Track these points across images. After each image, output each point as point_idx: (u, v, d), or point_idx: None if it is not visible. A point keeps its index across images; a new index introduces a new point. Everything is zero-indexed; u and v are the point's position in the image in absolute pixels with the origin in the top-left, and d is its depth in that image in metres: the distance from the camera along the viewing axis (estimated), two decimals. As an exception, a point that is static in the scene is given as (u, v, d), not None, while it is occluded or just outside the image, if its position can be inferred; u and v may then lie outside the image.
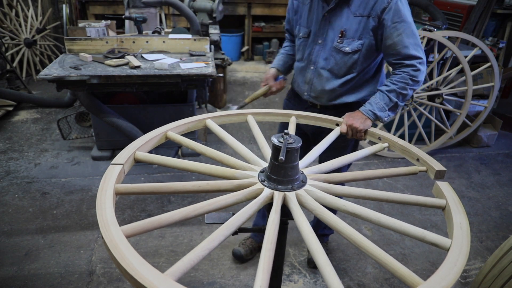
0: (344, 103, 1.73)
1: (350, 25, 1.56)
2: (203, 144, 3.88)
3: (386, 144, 1.40)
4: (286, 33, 1.98)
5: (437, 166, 1.21)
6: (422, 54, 1.54)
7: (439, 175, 1.20)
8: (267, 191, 1.07)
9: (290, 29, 1.89)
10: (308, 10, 1.68)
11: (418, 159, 1.28)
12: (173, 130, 1.37)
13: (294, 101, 1.91)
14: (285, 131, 1.09)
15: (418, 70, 1.53)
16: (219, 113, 1.52)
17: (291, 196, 1.06)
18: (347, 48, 1.59)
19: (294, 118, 1.54)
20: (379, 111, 1.54)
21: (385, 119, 1.57)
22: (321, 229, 2.24)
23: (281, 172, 1.08)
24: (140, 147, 1.22)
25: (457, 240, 0.91)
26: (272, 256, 0.86)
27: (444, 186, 1.14)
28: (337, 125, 1.54)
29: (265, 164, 1.22)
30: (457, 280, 0.80)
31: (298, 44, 1.77)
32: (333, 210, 1.94)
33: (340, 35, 1.59)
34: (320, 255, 0.85)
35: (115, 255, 0.77)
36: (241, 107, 1.88)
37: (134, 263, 0.76)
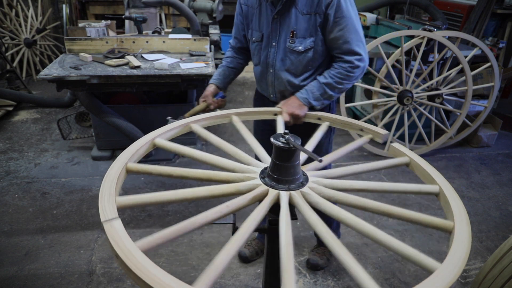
0: None
1: (299, 25, 1.58)
2: (203, 143, 3.86)
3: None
4: (232, 41, 1.95)
5: (381, 131, 1.40)
6: (363, 51, 1.58)
7: (385, 139, 1.41)
8: (272, 192, 1.07)
9: (238, 35, 1.88)
10: (258, 14, 1.69)
11: (362, 129, 1.43)
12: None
13: (262, 101, 1.92)
14: (285, 131, 1.10)
15: (357, 67, 1.58)
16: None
17: (296, 194, 1.07)
18: (299, 47, 1.61)
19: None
20: (313, 100, 1.61)
21: (319, 107, 1.64)
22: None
23: (285, 171, 1.08)
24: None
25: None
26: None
27: (398, 146, 1.33)
28: (276, 114, 1.60)
29: (260, 164, 1.23)
30: (457, 279, 0.80)
31: (253, 48, 1.78)
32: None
33: (291, 35, 1.61)
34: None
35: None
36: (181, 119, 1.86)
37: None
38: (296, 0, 1.56)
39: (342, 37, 1.55)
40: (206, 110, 1.85)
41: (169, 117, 1.80)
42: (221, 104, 1.90)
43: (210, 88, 1.87)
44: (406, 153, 1.32)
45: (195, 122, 1.47)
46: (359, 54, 1.57)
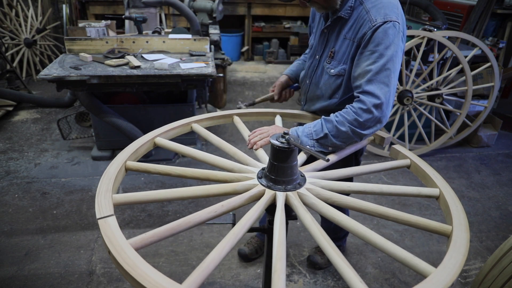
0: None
1: (339, 47, 1.45)
2: (203, 143, 3.85)
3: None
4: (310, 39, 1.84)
5: (384, 134, 1.45)
6: (384, 97, 1.28)
7: (387, 142, 1.47)
8: (269, 192, 1.07)
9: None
10: (318, 22, 1.62)
11: None
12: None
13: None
14: (285, 131, 1.10)
15: (368, 111, 1.28)
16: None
17: (293, 195, 1.06)
18: (332, 70, 1.49)
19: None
20: (303, 136, 1.35)
21: (307, 147, 1.32)
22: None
23: (282, 172, 1.08)
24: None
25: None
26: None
27: (400, 147, 1.37)
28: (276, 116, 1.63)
29: (258, 165, 1.23)
30: (453, 283, 0.80)
31: (308, 52, 1.71)
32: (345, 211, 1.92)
33: (329, 55, 1.50)
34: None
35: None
36: (250, 105, 1.87)
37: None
38: (344, 21, 1.42)
39: (367, 73, 1.29)
40: (273, 99, 1.83)
41: (240, 102, 1.85)
42: (286, 97, 1.84)
43: (281, 79, 1.82)
44: (407, 155, 1.32)
45: (197, 122, 1.47)
46: (377, 97, 1.27)
